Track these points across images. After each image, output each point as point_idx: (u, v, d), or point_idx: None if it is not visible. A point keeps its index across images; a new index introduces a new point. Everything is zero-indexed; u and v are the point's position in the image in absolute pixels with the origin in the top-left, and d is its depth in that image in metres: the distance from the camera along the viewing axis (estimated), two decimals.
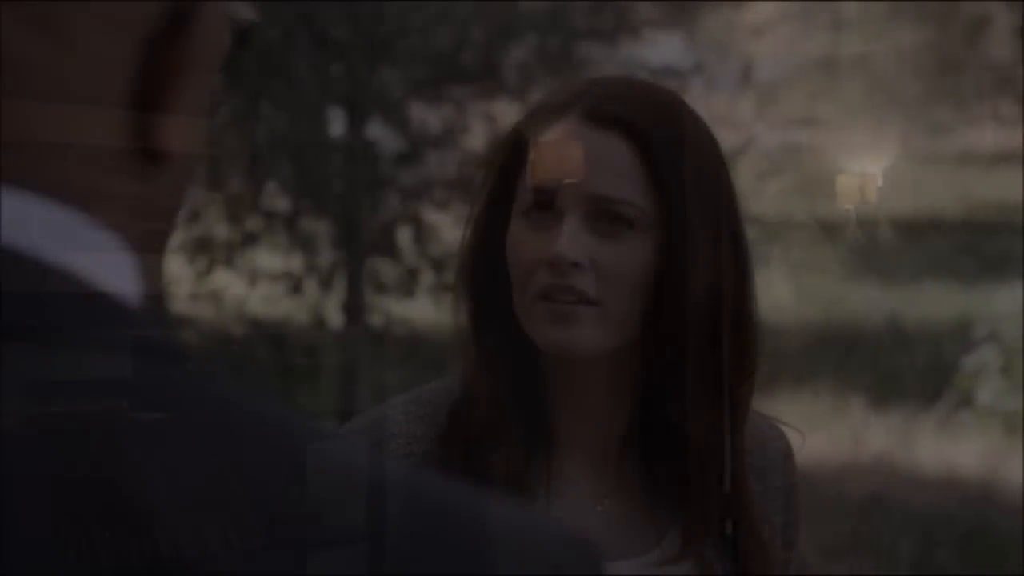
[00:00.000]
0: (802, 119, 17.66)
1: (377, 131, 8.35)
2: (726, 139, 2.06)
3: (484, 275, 1.76)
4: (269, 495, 0.72)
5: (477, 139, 8.51)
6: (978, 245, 14.56)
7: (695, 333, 1.70)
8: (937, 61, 21.13)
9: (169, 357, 0.77)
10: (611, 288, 1.70)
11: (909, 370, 9.79)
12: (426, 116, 8.53)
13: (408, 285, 8.46)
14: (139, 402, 0.74)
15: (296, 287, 8.49)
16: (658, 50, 10.05)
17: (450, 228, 8.50)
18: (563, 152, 1.72)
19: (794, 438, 1.85)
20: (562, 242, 1.69)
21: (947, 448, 8.16)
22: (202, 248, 8.38)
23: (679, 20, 12.82)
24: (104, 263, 0.78)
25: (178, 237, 8.38)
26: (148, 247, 0.82)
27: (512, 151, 1.76)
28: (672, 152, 1.71)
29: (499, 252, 1.74)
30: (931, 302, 12.02)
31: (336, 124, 8.30)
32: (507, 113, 8.52)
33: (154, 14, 0.79)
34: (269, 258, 8.82)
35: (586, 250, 1.69)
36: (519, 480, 1.69)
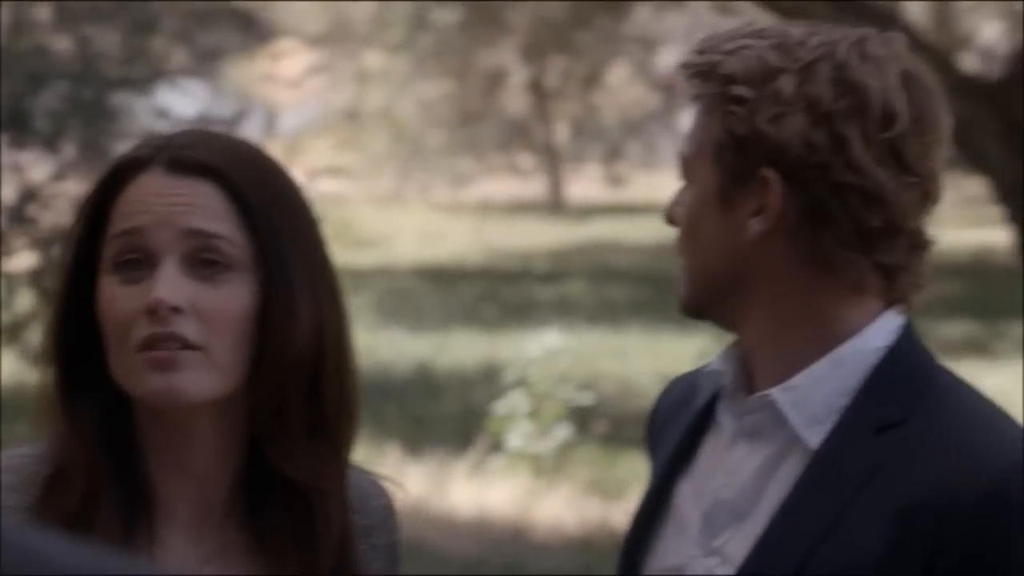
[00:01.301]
0: (328, 168, 17.79)
1: None
2: None
3: (74, 339, 1.71)
4: None
5: (8, 189, 8.24)
6: (500, 292, 15.00)
7: (299, 379, 1.69)
8: (457, 113, 21.69)
9: None
10: (214, 332, 1.67)
11: (441, 416, 9.98)
12: None
13: None
14: None
15: None
16: (190, 99, 9.98)
17: None
18: (150, 199, 1.69)
19: (396, 493, 1.85)
20: (160, 287, 1.65)
21: (480, 492, 8.34)
22: None
23: (211, 71, 12.77)
24: None
25: None
26: None
27: (93, 210, 1.72)
28: (261, 196, 1.71)
29: (89, 313, 1.70)
30: (459, 349, 12.30)
31: None
32: (37, 162, 8.29)
33: None
34: None
35: (186, 294, 1.66)
36: (120, 550, 1.64)
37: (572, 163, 21.93)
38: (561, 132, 21.61)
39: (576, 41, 19.89)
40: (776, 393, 1.79)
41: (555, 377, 8.75)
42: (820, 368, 1.79)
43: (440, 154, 20.40)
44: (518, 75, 20.65)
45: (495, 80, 20.81)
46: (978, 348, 12.00)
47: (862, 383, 1.79)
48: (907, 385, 1.79)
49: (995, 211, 8.61)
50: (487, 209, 20.06)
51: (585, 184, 21.54)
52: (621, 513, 8.11)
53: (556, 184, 21.21)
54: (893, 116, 1.77)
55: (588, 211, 19.55)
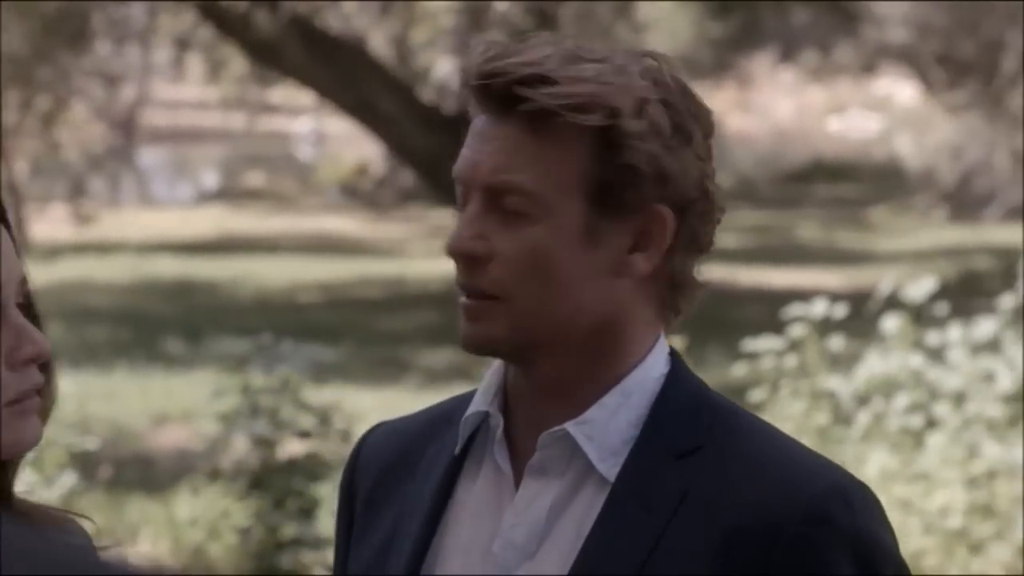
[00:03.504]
0: None
1: None
2: None
3: None
4: None
5: None
6: None
7: None
8: None
9: None
10: None
11: None
12: None
13: None
14: None
15: None
16: None
17: None
18: None
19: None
20: None
21: None
22: None
23: None
24: None
25: None
26: None
27: None
28: None
29: None
30: None
31: None
32: None
33: None
34: None
35: None
36: None
37: (35, 202, 21.24)
38: (21, 170, 20.90)
39: (35, 76, 19.28)
40: (571, 428, 1.75)
41: (54, 423, 8.43)
42: (611, 400, 1.77)
43: None
44: None
45: None
46: (463, 374, 12.32)
47: (648, 411, 1.77)
48: (693, 410, 1.78)
49: None
50: None
51: (50, 223, 20.88)
52: (135, 558, 7.89)
53: (19, 224, 20.48)
54: (712, 141, 1.78)
55: (55, 251, 18.96)
